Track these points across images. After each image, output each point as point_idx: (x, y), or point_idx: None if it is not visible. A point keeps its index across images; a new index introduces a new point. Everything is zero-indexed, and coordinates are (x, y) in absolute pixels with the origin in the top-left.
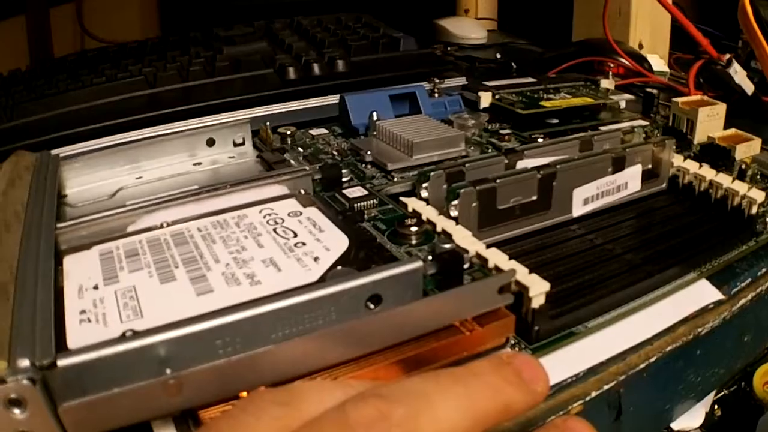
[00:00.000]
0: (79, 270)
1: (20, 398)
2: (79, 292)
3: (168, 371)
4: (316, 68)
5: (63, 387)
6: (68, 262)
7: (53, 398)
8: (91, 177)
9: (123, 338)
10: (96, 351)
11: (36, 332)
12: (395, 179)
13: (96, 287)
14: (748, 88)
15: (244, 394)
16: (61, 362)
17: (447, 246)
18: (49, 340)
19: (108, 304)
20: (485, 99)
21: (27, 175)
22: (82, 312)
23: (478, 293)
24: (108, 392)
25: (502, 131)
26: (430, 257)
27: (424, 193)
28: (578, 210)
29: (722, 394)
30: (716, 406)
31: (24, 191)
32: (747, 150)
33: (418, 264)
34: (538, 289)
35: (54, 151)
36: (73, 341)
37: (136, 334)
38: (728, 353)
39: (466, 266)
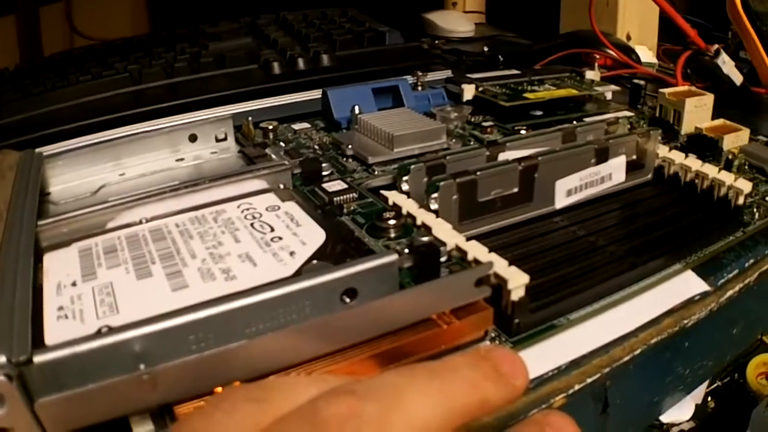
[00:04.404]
0: (59, 267)
1: None
2: (57, 289)
3: (142, 367)
4: (300, 63)
5: (40, 383)
6: (48, 259)
7: (30, 394)
8: (75, 174)
9: (98, 334)
10: (71, 347)
11: (14, 329)
12: (376, 173)
13: (74, 284)
14: (737, 78)
15: (219, 389)
16: (37, 358)
17: (424, 239)
18: (26, 336)
19: (85, 300)
20: (468, 91)
21: (11, 174)
22: (60, 308)
23: (454, 286)
24: (84, 388)
25: (484, 124)
26: (406, 250)
27: (405, 187)
28: (561, 202)
29: (715, 385)
30: (710, 398)
31: (7, 190)
32: (735, 140)
33: (394, 257)
34: (517, 281)
35: (38, 150)
36: (50, 338)
37: (111, 330)
38: (717, 345)
39: (444, 259)
